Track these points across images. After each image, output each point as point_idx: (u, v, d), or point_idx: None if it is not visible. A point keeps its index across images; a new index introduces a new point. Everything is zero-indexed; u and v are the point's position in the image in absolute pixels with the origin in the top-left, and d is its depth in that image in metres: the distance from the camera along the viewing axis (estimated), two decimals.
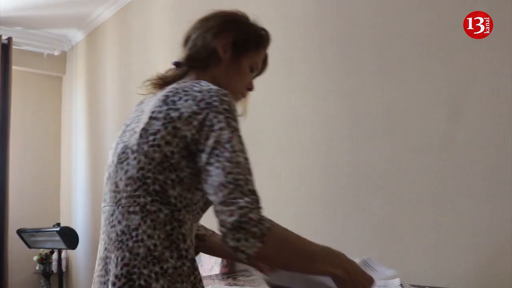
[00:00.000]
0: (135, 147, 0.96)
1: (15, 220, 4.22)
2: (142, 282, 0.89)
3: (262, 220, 0.83)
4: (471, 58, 1.63)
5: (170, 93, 0.97)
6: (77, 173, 4.58)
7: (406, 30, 1.85)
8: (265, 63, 1.23)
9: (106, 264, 0.97)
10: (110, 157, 1.06)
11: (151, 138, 0.94)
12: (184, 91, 0.96)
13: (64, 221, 4.59)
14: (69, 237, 3.13)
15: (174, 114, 0.93)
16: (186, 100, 0.94)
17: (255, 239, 0.82)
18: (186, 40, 1.15)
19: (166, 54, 3.26)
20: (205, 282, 1.37)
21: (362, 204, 1.97)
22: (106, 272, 0.96)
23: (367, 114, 1.97)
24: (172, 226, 0.93)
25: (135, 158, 0.95)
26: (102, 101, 4.22)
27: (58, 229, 3.15)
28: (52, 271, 4.41)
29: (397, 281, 1.43)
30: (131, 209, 0.94)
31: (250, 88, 1.20)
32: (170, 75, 1.14)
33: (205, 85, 0.97)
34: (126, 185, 0.95)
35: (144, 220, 0.92)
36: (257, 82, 2.76)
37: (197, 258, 1.11)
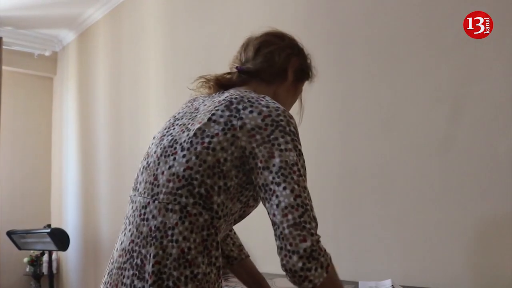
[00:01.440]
0: (186, 145, 0.94)
1: (5, 221, 4.19)
2: (171, 284, 0.88)
3: (326, 252, 0.87)
4: (471, 58, 1.64)
5: (235, 100, 0.96)
6: (68, 174, 4.55)
7: (406, 30, 1.86)
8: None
9: (131, 257, 0.94)
10: (152, 147, 1.03)
11: (207, 140, 0.92)
12: (250, 101, 0.96)
13: (54, 223, 4.56)
14: (60, 239, 3.11)
15: (236, 122, 0.93)
16: (251, 112, 0.93)
17: (322, 270, 0.84)
18: (257, 51, 1.15)
19: (158, 55, 3.26)
20: None
21: (353, 205, 1.97)
22: (131, 266, 0.93)
23: (359, 114, 1.98)
24: (209, 232, 0.92)
25: (184, 156, 0.93)
26: (93, 102, 4.20)
27: (48, 230, 3.14)
28: (43, 272, 4.37)
29: (388, 282, 1.44)
30: (170, 206, 0.92)
31: None
32: (228, 78, 1.14)
33: (271, 102, 0.97)
34: (168, 180, 0.93)
35: (182, 221, 0.91)
36: None
37: None
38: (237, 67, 1.15)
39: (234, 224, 1.03)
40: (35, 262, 4.38)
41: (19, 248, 3.59)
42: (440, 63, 1.72)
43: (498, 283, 1.52)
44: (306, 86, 2.16)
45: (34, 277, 4.41)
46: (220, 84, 1.12)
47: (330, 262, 0.87)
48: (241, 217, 1.02)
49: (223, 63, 2.86)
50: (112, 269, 0.99)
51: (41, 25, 4.55)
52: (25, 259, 4.38)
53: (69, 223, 4.41)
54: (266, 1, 2.49)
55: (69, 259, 4.45)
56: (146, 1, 3.52)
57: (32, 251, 4.27)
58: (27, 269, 4.45)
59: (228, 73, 1.16)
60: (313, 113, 2.19)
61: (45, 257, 4.24)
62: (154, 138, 1.06)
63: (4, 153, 4.49)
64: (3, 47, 4.45)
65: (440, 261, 1.67)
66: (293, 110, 1.22)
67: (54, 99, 5.07)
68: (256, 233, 2.41)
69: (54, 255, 3.95)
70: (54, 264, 4.37)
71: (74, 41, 4.70)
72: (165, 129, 1.04)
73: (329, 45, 2.14)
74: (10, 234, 3.52)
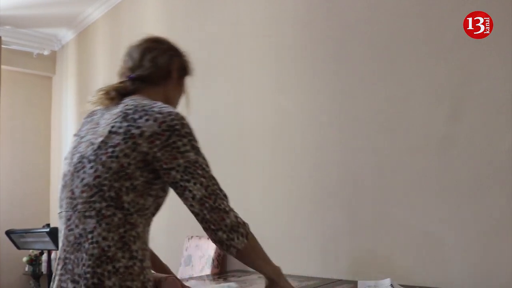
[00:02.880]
0: (92, 157, 1.06)
1: (4, 221, 4.18)
2: (96, 281, 1.00)
3: (244, 223, 1.09)
4: (471, 58, 1.64)
5: (130, 111, 1.08)
6: None
7: (406, 29, 1.86)
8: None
9: (65, 264, 1.06)
10: (65, 167, 1.15)
11: (110, 150, 1.04)
12: (144, 110, 1.08)
13: (53, 222, 4.55)
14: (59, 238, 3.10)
15: (135, 131, 1.05)
16: (147, 120, 1.05)
17: (243, 237, 1.07)
18: (141, 58, 1.25)
19: None
20: (196, 282, 1.37)
21: (352, 204, 1.97)
22: (66, 271, 1.05)
23: (357, 114, 1.98)
24: (125, 228, 1.03)
25: (91, 167, 1.05)
26: None
27: (47, 230, 3.13)
28: (42, 272, 4.37)
29: (387, 281, 1.44)
30: (87, 213, 1.04)
31: None
32: (123, 87, 1.22)
33: (164, 107, 1.10)
34: (82, 191, 1.05)
35: (99, 224, 1.02)
36: (247, 81, 2.77)
37: (187, 259, 1.17)
38: (128, 76, 1.24)
39: (154, 216, 1.13)
40: (34, 261, 4.38)
41: (18, 248, 3.58)
42: (440, 63, 1.72)
43: (497, 281, 1.52)
44: (294, 77, 2.17)
45: (33, 276, 4.40)
46: (119, 93, 1.20)
47: (249, 231, 1.09)
48: (157, 208, 1.13)
49: (223, 62, 2.88)
50: (54, 276, 1.11)
51: (40, 24, 4.54)
52: (24, 259, 4.38)
53: None
54: (266, 1, 2.49)
55: None
56: (145, 0, 3.51)
57: (31, 251, 4.27)
58: (26, 269, 4.45)
59: (121, 82, 1.24)
60: (311, 112, 2.19)
61: (44, 257, 4.24)
62: (65, 159, 1.17)
63: (3, 153, 4.49)
64: (2, 46, 4.45)
65: (439, 260, 1.67)
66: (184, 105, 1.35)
67: (53, 98, 5.06)
68: (255, 234, 2.41)
69: (53, 255, 3.94)
70: (53, 264, 4.36)
71: (73, 40, 4.70)
72: (73, 148, 1.15)
73: (329, 44, 2.13)
74: (9, 233, 3.51)
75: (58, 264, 1.10)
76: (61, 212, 1.13)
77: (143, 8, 3.52)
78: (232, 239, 1.04)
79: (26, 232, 3.42)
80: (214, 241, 1.05)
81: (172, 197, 1.19)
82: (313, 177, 2.16)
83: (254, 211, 2.45)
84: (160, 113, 1.07)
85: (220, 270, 2.42)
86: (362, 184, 1.94)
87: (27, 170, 4.75)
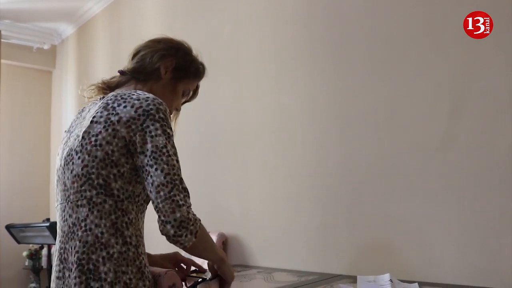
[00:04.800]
0: (78, 148, 1.09)
1: (4, 215, 4.19)
2: (91, 266, 1.02)
3: (196, 219, 1.04)
4: (471, 57, 1.63)
5: (110, 100, 1.11)
6: None
7: (406, 29, 1.86)
8: (196, 93, 1.40)
9: (61, 254, 1.09)
10: (57, 162, 1.18)
11: (93, 139, 1.07)
12: (123, 98, 1.10)
13: (53, 216, 4.55)
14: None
15: (113, 118, 1.07)
16: (125, 107, 1.08)
17: (192, 235, 1.03)
18: (135, 54, 1.29)
19: None
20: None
21: (352, 201, 1.98)
22: (61, 261, 1.09)
23: (357, 112, 1.98)
24: (116, 215, 1.06)
25: (79, 158, 1.08)
26: None
27: (47, 224, 3.13)
28: (42, 266, 4.38)
29: (386, 276, 1.45)
30: (79, 202, 1.07)
31: (177, 109, 1.35)
32: (113, 81, 1.27)
33: (142, 93, 1.11)
34: (73, 182, 1.08)
35: (91, 211, 1.05)
36: (247, 78, 2.76)
37: (183, 254, 1.18)
38: (118, 70, 1.28)
39: (147, 204, 1.14)
40: (34, 256, 4.39)
41: (18, 242, 3.58)
42: (440, 62, 1.71)
43: (495, 278, 1.52)
44: (294, 75, 2.16)
45: (33, 271, 4.41)
46: (107, 87, 1.26)
47: (199, 228, 1.05)
48: (149, 196, 1.11)
49: (223, 56, 2.87)
50: (53, 267, 1.14)
51: (40, 18, 4.53)
52: (24, 253, 4.39)
53: None
54: (266, 0, 2.48)
55: None
56: None
57: (31, 245, 4.27)
58: (26, 263, 4.46)
59: (113, 77, 1.29)
60: (311, 110, 2.19)
61: (44, 251, 4.25)
62: (58, 155, 1.20)
63: (3, 147, 4.48)
64: (2, 40, 4.44)
65: (438, 256, 1.67)
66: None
67: (53, 92, 5.05)
68: (255, 231, 2.41)
69: (53, 249, 3.95)
70: (53, 258, 4.36)
71: (73, 35, 4.69)
72: (64, 144, 1.19)
73: (330, 42, 2.13)
74: (9, 228, 3.51)
75: (55, 256, 1.13)
76: (57, 205, 1.16)
77: (143, 3, 3.51)
78: (180, 236, 1.01)
79: (26, 226, 3.43)
80: (162, 232, 1.03)
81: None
82: (313, 174, 2.16)
83: (254, 207, 2.45)
84: (138, 99, 1.09)
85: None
86: (362, 180, 1.94)
87: (27, 165, 4.75)
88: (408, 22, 1.83)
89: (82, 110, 1.25)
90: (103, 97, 1.19)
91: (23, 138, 4.77)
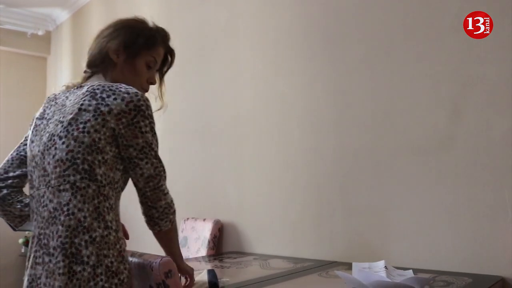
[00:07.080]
0: (63, 133, 1.10)
1: None
2: (74, 250, 1.05)
3: (175, 210, 1.21)
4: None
5: (98, 90, 1.14)
6: None
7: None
8: (169, 58, 1.38)
9: (40, 240, 1.10)
10: (34, 148, 1.18)
11: (81, 125, 1.10)
12: (111, 89, 1.13)
13: None
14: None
15: (103, 108, 1.10)
16: (115, 99, 1.11)
17: (169, 222, 1.20)
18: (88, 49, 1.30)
19: None
20: (192, 264, 1.38)
21: (347, 188, 1.98)
22: (41, 247, 1.10)
23: (354, 100, 1.97)
24: (99, 200, 1.09)
25: (63, 143, 1.10)
26: None
27: None
28: None
29: (381, 263, 1.45)
30: (62, 187, 1.09)
31: (151, 82, 1.34)
32: (80, 80, 1.29)
33: (129, 88, 1.15)
34: (55, 167, 1.10)
35: (74, 196, 1.07)
36: (244, 66, 2.74)
37: (183, 240, 1.20)
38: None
39: (122, 191, 1.20)
40: None
41: (14, 229, 3.58)
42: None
43: (490, 265, 1.54)
44: (291, 62, 2.14)
45: None
46: (76, 86, 1.25)
47: (174, 218, 1.22)
48: (125, 183, 1.20)
49: (219, 45, 2.85)
50: (29, 256, 1.15)
51: (34, 4, 4.47)
52: (20, 240, 4.39)
53: None
54: None
55: None
56: None
57: (27, 232, 4.27)
58: (23, 250, 4.47)
59: (79, 77, 1.31)
60: (307, 98, 2.18)
61: None
62: (32, 142, 1.20)
63: None
64: None
65: (433, 243, 1.68)
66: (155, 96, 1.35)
67: (48, 79, 5.02)
68: (251, 218, 2.42)
69: None
70: None
71: (67, 20, 4.64)
72: (41, 131, 1.19)
73: (327, 29, 2.12)
74: None
75: (32, 243, 1.14)
76: (33, 192, 1.16)
77: None
78: (161, 219, 1.17)
79: None
80: (145, 215, 1.18)
81: (167, 179, 1.19)
82: (309, 161, 2.16)
83: (249, 194, 2.45)
84: (127, 93, 1.13)
85: (216, 252, 2.44)
86: (358, 169, 1.94)
87: None
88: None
89: (55, 98, 1.26)
90: (81, 86, 1.21)
91: (18, 125, 4.73)
